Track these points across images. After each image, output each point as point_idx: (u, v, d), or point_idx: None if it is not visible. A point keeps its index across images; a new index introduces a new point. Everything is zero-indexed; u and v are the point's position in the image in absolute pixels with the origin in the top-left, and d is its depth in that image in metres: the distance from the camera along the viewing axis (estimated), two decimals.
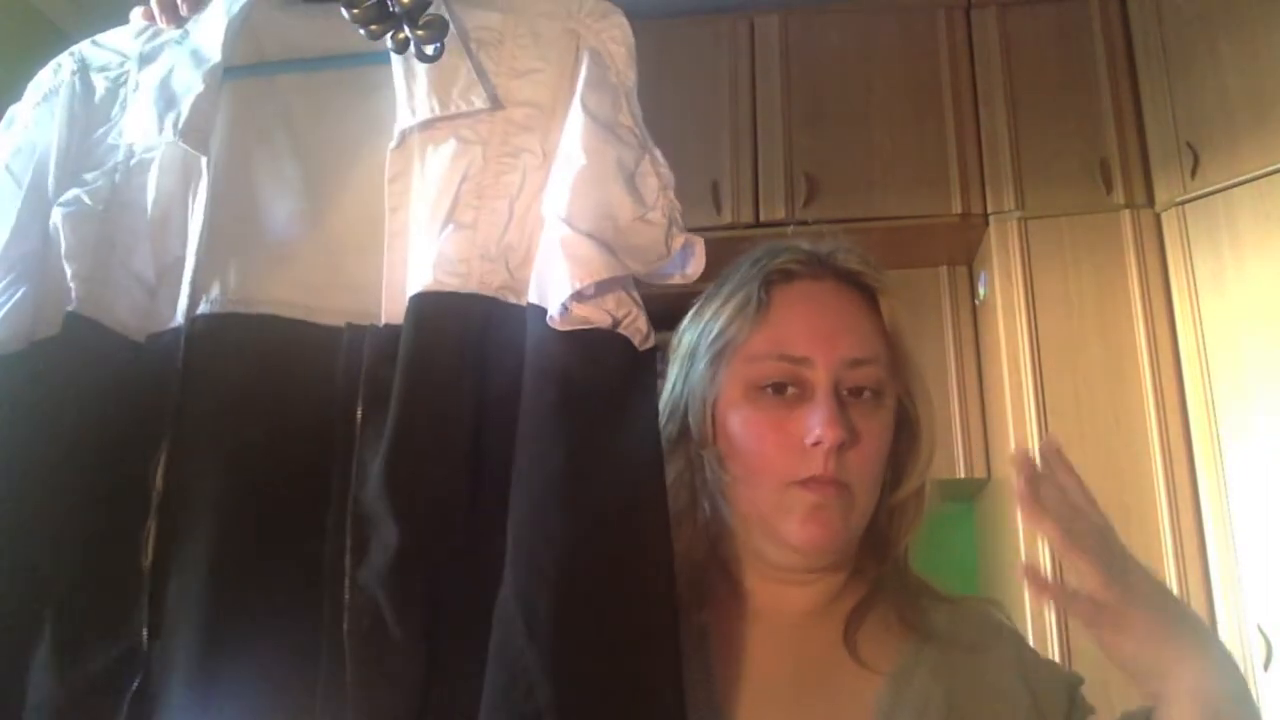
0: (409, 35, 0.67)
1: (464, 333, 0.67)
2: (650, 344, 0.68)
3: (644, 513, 0.66)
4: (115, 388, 0.69)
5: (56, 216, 0.72)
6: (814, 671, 0.80)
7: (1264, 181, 2.04)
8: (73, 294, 0.70)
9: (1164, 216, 2.19)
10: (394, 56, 0.72)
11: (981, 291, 2.36)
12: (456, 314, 0.67)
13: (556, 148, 0.71)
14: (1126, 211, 2.21)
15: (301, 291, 0.72)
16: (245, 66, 0.77)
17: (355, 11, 0.66)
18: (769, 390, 0.81)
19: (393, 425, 0.65)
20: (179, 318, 0.71)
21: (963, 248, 2.39)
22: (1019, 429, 2.12)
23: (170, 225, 0.74)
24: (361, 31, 0.66)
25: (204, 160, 0.73)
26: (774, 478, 0.79)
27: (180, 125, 0.72)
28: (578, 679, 0.61)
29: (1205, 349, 2.05)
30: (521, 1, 0.76)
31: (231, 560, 0.65)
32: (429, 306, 0.67)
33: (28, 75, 0.81)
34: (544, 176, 0.71)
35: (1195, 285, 2.09)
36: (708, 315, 0.86)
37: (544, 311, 0.67)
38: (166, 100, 0.74)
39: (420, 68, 0.72)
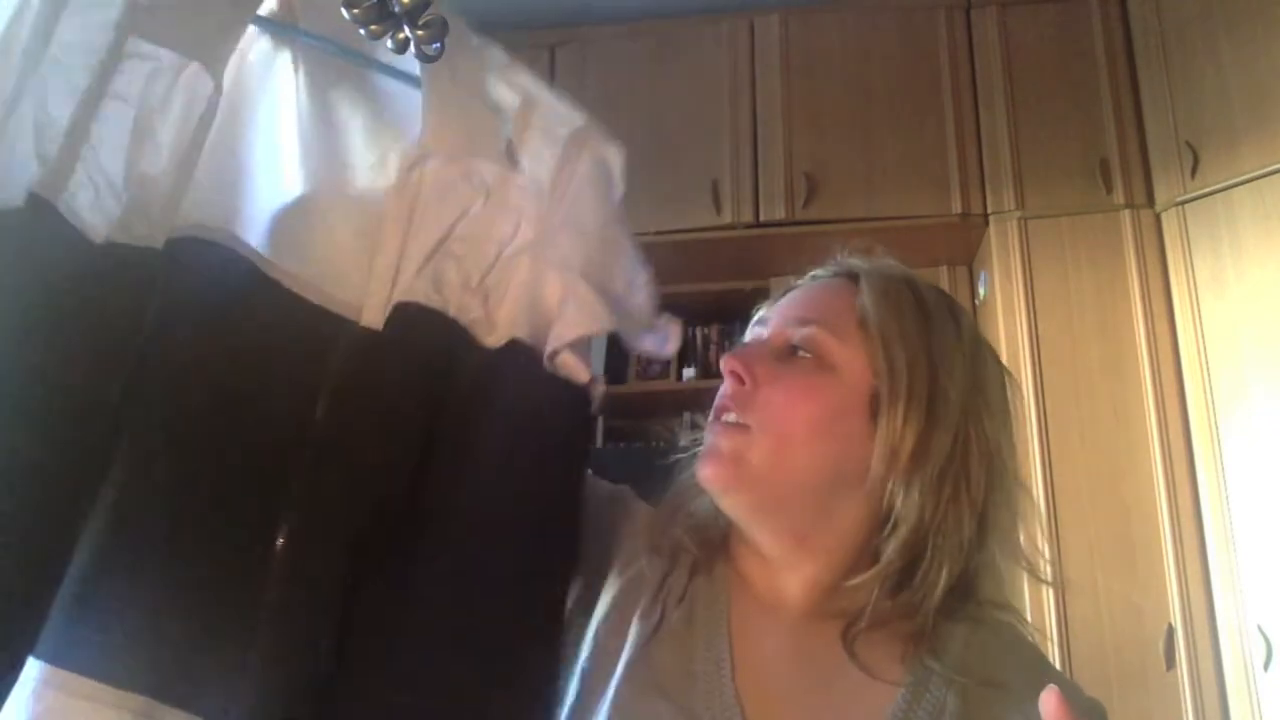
0: (409, 35, 0.67)
1: (433, 351, 0.71)
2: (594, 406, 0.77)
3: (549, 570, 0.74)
4: (75, 287, 0.62)
5: (33, 83, 0.64)
6: (824, 675, 0.79)
7: (1264, 181, 2.05)
8: (34, 169, 0.63)
9: (1164, 216, 2.19)
10: (425, 81, 0.74)
11: (981, 291, 2.36)
12: (431, 332, 0.71)
13: (549, 219, 0.78)
14: (1126, 211, 2.21)
15: (280, 256, 0.72)
16: (274, 23, 0.77)
17: (356, 11, 0.66)
18: None
19: (345, 424, 0.67)
20: (155, 236, 0.66)
21: (963, 248, 2.39)
22: (1019, 429, 2.11)
23: (155, 138, 0.68)
24: (361, 31, 0.66)
25: (210, 86, 0.69)
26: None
27: (197, 44, 0.68)
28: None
29: (1205, 349, 2.05)
30: (542, 99, 0.81)
31: (178, 495, 0.65)
32: (408, 318, 0.71)
33: None
34: (533, 235, 0.78)
35: (1195, 285, 2.10)
36: None
37: (529, 350, 0.73)
38: (187, 13, 0.69)
39: (453, 101, 0.75)
